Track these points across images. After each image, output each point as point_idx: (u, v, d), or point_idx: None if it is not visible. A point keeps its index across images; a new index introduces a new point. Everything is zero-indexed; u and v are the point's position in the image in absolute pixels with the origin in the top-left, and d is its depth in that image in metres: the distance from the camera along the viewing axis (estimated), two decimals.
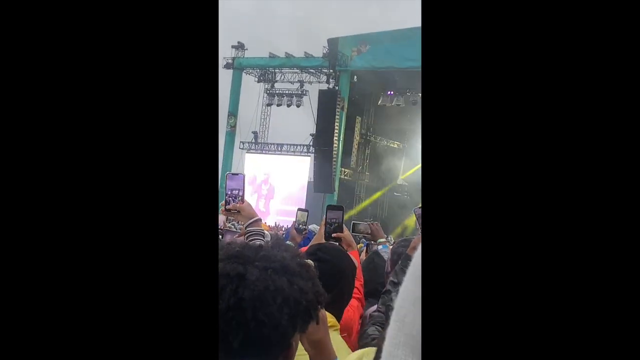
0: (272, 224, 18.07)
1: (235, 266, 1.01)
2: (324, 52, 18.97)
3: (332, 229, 2.40)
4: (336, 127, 18.00)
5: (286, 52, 20.22)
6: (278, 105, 20.74)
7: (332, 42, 18.41)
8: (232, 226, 4.73)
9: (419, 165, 19.84)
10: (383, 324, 1.92)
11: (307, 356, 1.27)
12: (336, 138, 18.12)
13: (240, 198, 1.97)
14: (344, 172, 19.56)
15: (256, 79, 21.14)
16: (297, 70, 20.22)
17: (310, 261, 1.17)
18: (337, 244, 2.27)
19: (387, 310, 1.87)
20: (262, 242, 1.81)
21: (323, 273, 1.28)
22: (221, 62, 19.45)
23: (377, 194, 20.84)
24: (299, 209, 2.93)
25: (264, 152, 21.66)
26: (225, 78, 19.91)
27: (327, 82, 19.04)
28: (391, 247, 2.97)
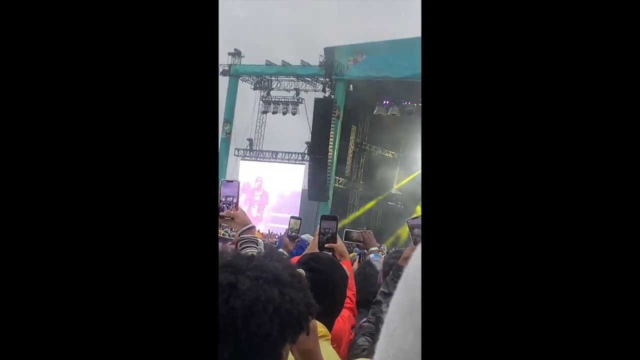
0: (266, 231, 18.03)
1: (227, 275, 1.01)
2: (321, 60, 19.01)
3: (326, 239, 2.41)
4: (331, 136, 18.01)
5: (283, 60, 20.27)
6: (274, 112, 20.76)
7: (329, 51, 18.44)
8: (226, 233, 4.71)
9: (413, 175, 19.90)
10: (373, 335, 1.92)
11: None
12: (331, 146, 18.12)
13: (234, 205, 1.97)
14: (339, 180, 19.55)
15: (252, 86, 21.15)
16: (294, 79, 20.25)
17: (302, 271, 1.17)
18: (330, 253, 2.27)
19: (377, 321, 1.87)
20: (255, 251, 1.81)
21: (315, 283, 1.28)
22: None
23: (371, 203, 20.83)
24: (292, 217, 2.95)
25: (258, 159, 21.64)
26: (221, 85, 19.89)
27: (323, 90, 19.05)
28: (383, 256, 2.98)
